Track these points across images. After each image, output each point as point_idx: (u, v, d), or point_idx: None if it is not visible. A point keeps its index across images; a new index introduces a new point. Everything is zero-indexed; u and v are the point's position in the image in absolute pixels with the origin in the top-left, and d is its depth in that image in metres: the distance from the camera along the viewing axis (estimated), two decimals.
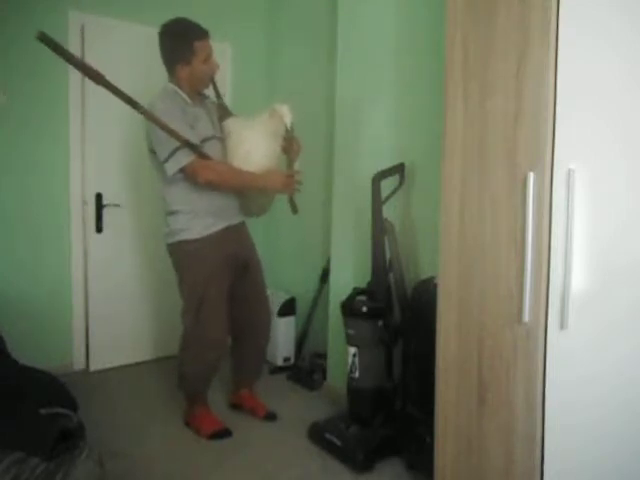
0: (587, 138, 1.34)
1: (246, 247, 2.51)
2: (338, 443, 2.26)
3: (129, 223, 3.25)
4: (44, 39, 1.86)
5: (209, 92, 2.49)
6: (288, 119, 2.29)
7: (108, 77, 3.03)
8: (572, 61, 1.34)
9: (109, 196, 3.16)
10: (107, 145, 3.15)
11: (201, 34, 2.26)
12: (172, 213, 2.31)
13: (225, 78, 3.44)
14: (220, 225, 2.34)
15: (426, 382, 1.83)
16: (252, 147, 2.29)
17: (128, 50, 3.09)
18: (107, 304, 3.20)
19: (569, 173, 1.34)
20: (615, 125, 1.32)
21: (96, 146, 3.12)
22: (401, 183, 2.42)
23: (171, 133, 2.13)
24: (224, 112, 2.47)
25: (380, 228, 2.35)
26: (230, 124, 2.39)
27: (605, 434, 1.38)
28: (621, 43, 1.30)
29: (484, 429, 1.57)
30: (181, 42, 2.25)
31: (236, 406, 2.67)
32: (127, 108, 3.15)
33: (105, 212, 3.16)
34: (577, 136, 1.35)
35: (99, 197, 3.13)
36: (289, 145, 2.38)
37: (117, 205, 3.18)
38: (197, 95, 2.37)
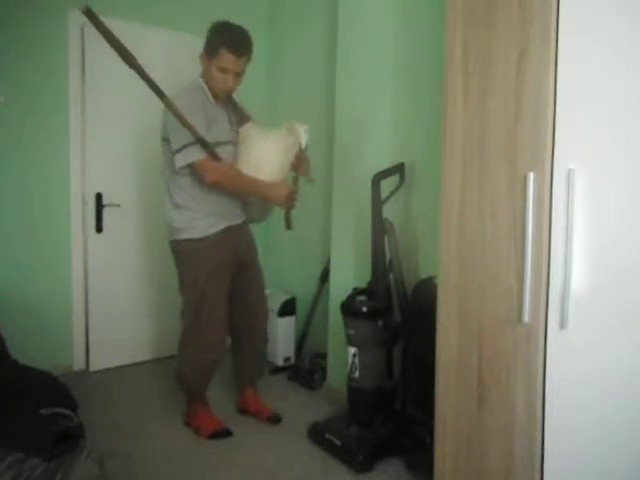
0: (587, 138, 1.34)
1: (246, 247, 2.51)
2: (338, 443, 2.26)
3: (129, 223, 3.26)
4: (88, 14, 1.92)
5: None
6: (304, 139, 2.32)
7: (109, 77, 3.06)
8: (572, 61, 1.34)
9: (109, 196, 3.16)
10: (107, 145, 3.15)
11: (232, 47, 2.20)
12: (176, 207, 2.32)
13: None
14: (222, 225, 2.34)
15: (426, 382, 1.83)
16: (263, 157, 2.30)
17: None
18: (107, 304, 3.20)
19: (569, 173, 1.34)
20: (615, 125, 1.32)
21: (96, 146, 3.12)
22: (401, 183, 2.42)
23: (189, 129, 2.13)
24: (243, 118, 2.47)
25: (380, 228, 2.35)
26: (246, 131, 2.39)
27: (605, 434, 1.38)
28: (621, 43, 1.30)
29: (484, 429, 1.57)
30: (213, 40, 2.25)
31: (243, 411, 2.66)
32: (127, 109, 3.17)
33: (105, 212, 3.16)
34: (577, 136, 1.35)
35: (99, 197, 3.13)
36: (299, 163, 2.39)
37: (117, 205, 3.18)
38: (224, 97, 2.36)
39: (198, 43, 3.31)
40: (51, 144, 3.02)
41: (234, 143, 2.37)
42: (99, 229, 3.15)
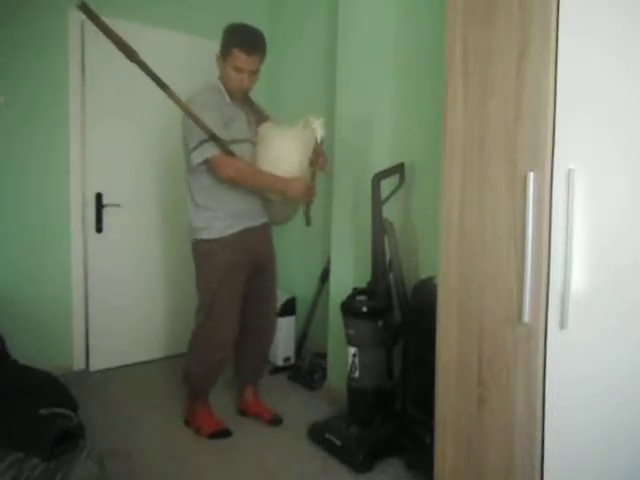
0: (587, 138, 1.34)
1: (264, 250, 2.50)
2: (338, 443, 2.26)
3: (129, 223, 3.25)
4: (83, 9, 1.92)
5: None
6: (319, 133, 2.32)
7: (109, 76, 3.07)
8: (572, 61, 1.34)
9: (109, 196, 3.16)
10: (107, 145, 3.15)
11: (245, 47, 2.24)
12: (196, 207, 2.34)
13: None
14: (239, 226, 2.35)
15: (426, 382, 1.83)
16: (281, 154, 2.31)
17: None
18: (107, 304, 3.20)
19: (569, 173, 1.34)
20: (615, 125, 1.32)
21: (96, 146, 3.12)
22: (401, 183, 2.42)
23: (198, 123, 2.16)
24: (261, 117, 2.48)
25: (380, 228, 2.35)
26: (264, 129, 2.41)
27: (605, 433, 1.38)
28: (621, 43, 1.30)
29: (484, 429, 1.57)
30: (226, 42, 2.29)
31: (243, 412, 2.65)
32: (127, 108, 3.17)
33: (105, 212, 3.15)
34: (577, 136, 1.35)
35: (99, 197, 3.13)
36: (316, 158, 2.39)
37: (117, 205, 3.18)
38: (240, 97, 2.38)
39: (197, 43, 3.33)
40: (51, 144, 3.02)
41: (252, 142, 2.38)
42: (99, 229, 3.14)
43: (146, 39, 3.10)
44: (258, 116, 2.48)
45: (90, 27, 3.00)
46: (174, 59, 3.22)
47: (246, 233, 2.37)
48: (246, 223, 2.37)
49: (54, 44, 2.97)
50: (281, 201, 2.41)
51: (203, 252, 2.36)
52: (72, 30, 3.00)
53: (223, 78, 2.33)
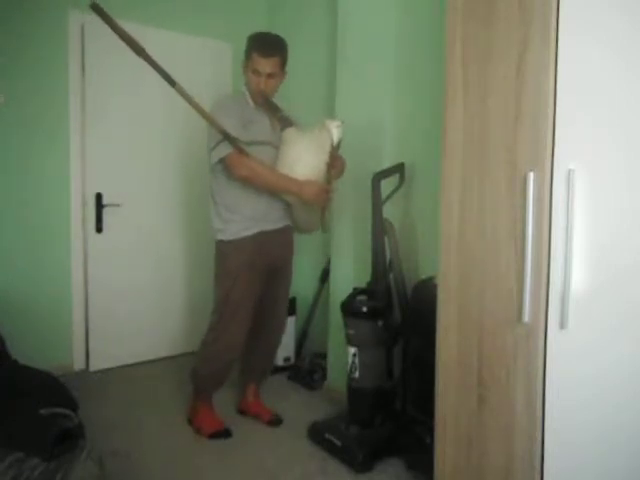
0: (587, 138, 1.34)
1: (281, 253, 2.50)
2: (338, 443, 2.26)
3: (129, 223, 3.25)
4: (96, 9, 1.97)
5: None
6: (335, 136, 2.31)
7: (109, 76, 3.07)
8: (572, 61, 1.34)
9: (109, 196, 3.16)
10: (107, 145, 3.15)
11: (261, 50, 2.30)
12: (215, 207, 2.38)
13: (226, 78, 3.45)
14: (255, 229, 2.35)
15: (426, 382, 1.83)
16: (297, 157, 2.33)
17: (128, 50, 3.09)
18: (107, 304, 3.20)
19: (569, 173, 1.34)
20: (615, 125, 1.32)
21: (96, 146, 3.12)
22: (401, 183, 2.42)
23: (210, 122, 2.19)
24: (286, 123, 2.47)
25: (380, 228, 2.35)
26: (286, 133, 2.42)
27: (605, 434, 1.38)
28: (621, 43, 1.30)
29: (484, 429, 1.57)
30: (247, 48, 2.35)
31: (242, 412, 2.66)
32: (127, 108, 3.17)
33: (105, 212, 3.15)
34: (577, 136, 1.35)
35: (99, 197, 3.13)
36: (332, 161, 2.37)
37: (117, 205, 3.18)
38: (264, 102, 2.41)
39: (197, 42, 3.33)
40: (51, 144, 3.02)
41: (274, 145, 2.38)
42: (99, 229, 3.14)
43: (145, 39, 3.09)
44: (283, 122, 2.48)
45: (90, 27, 3.02)
46: (174, 59, 3.21)
47: (263, 236, 2.37)
48: (263, 226, 2.37)
49: (54, 44, 2.98)
50: (300, 205, 2.40)
51: (220, 253, 2.39)
52: (72, 30, 3.01)
53: (247, 84, 2.38)
